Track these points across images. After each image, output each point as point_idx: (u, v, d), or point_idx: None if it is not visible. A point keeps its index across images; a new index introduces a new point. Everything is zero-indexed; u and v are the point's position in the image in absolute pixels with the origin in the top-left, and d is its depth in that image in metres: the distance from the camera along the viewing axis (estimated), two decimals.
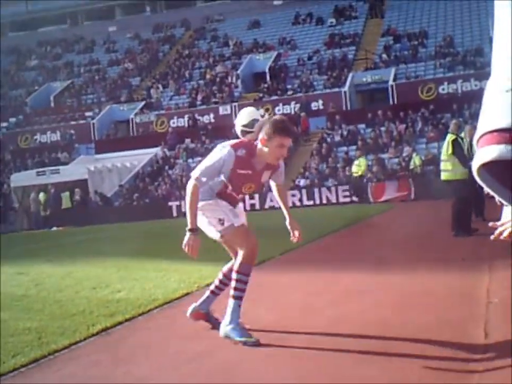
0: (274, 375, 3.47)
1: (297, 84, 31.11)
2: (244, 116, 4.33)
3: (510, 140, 0.64)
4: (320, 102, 29.37)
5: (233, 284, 4.12)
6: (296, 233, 4.41)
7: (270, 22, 38.65)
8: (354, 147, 25.29)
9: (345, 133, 26.60)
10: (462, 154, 9.11)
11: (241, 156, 4.08)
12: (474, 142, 0.68)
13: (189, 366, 3.75)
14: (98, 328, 4.76)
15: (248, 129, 4.23)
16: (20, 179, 28.46)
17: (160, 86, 35.00)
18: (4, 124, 35.83)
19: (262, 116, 4.36)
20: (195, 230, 4.06)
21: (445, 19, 33.55)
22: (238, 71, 33.46)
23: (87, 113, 34.36)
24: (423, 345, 3.77)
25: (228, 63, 35.16)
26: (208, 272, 7.21)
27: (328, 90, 29.96)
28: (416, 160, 22.25)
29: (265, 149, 4.04)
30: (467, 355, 3.51)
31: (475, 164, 0.67)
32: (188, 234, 4.06)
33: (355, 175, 21.31)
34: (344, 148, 25.71)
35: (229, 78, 33.51)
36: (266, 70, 32.82)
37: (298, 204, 22.73)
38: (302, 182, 23.91)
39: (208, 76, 34.19)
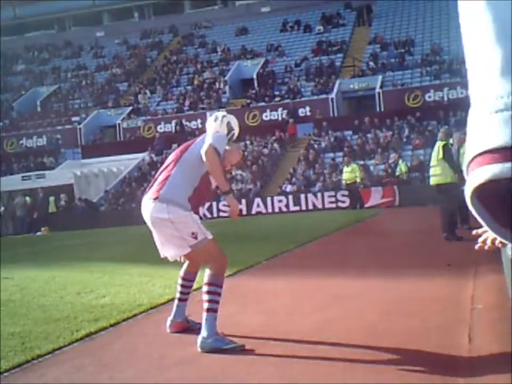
0: (258, 382, 3.46)
1: (285, 90, 31.21)
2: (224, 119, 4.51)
3: (503, 158, 0.61)
4: (308, 108, 29.46)
5: (206, 297, 4.12)
6: (235, 214, 4.36)
7: (258, 28, 38.77)
8: (341, 153, 25.40)
9: (332, 139, 26.70)
10: (452, 158, 9.27)
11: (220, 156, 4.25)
12: (464, 168, 0.66)
13: (173, 372, 3.74)
14: (83, 334, 4.73)
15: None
16: (5, 184, 28.25)
17: (147, 91, 34.96)
18: None
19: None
20: (232, 191, 4.19)
21: (432, 27, 33.80)
22: (226, 77, 33.49)
23: (74, 118, 34.23)
24: (407, 351, 3.78)
25: (215, 69, 35.19)
26: None
27: (315, 97, 30.07)
28: (402, 167, 22.35)
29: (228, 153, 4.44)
30: (451, 360, 3.52)
31: (467, 191, 0.64)
32: (229, 197, 4.18)
33: (348, 182, 21.16)
34: (331, 154, 25.79)
35: (217, 84, 33.53)
36: (254, 77, 32.88)
37: (284, 209, 22.78)
38: (289, 188, 23.94)
39: (196, 82, 34.19)
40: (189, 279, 4.55)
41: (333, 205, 22.39)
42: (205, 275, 4.21)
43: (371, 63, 31.47)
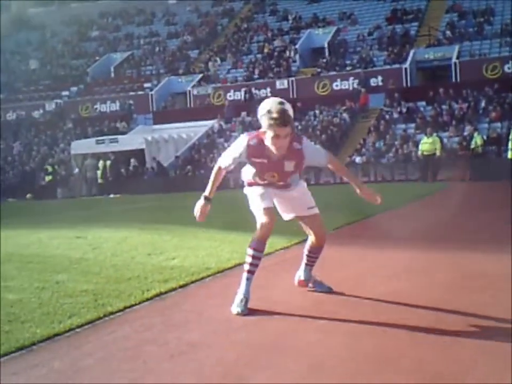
0: (321, 349, 3.46)
1: (356, 59, 30.62)
2: (261, 106, 4.29)
3: None
4: (380, 78, 28.85)
5: (246, 258, 4.38)
6: (378, 198, 4.43)
7: None
8: (413, 125, 24.82)
9: (404, 110, 26.09)
10: None
11: (253, 145, 4.24)
12: None
13: (239, 334, 3.78)
14: (153, 293, 4.84)
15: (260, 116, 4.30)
16: (79, 147, 29.12)
17: (218, 59, 35.03)
18: (65, 93, 36.63)
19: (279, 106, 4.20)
20: (209, 199, 4.44)
21: None
22: (296, 46, 33.13)
23: (146, 85, 34.77)
24: (475, 326, 3.70)
25: (286, 37, 34.83)
26: None
27: (388, 67, 29.38)
28: (477, 140, 21.63)
29: (267, 141, 4.18)
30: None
31: None
32: (202, 199, 4.45)
33: (426, 153, 20.86)
34: (403, 125, 25.24)
35: (287, 53, 33.23)
36: (325, 45, 32.39)
37: None
38: (358, 159, 23.63)
39: (266, 50, 33.98)
40: (313, 252, 4.74)
41: (403, 177, 22.02)
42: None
43: (448, 32, 30.42)
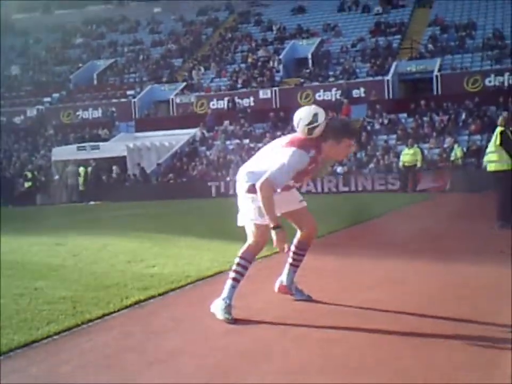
0: (301, 358, 3.46)
1: (340, 70, 30.81)
2: (305, 115, 4.36)
3: None
4: (362, 89, 29.04)
5: (234, 266, 4.43)
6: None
7: (315, 8, 38.23)
8: (394, 136, 25.02)
9: (385, 121, 26.30)
10: (510, 146, 9.06)
11: (312, 156, 4.28)
12: None
13: (219, 342, 3.77)
14: (132, 301, 4.82)
15: (313, 125, 4.31)
16: (60, 153, 28.94)
17: (201, 68, 35.06)
18: (47, 99, 36.41)
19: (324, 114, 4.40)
20: (280, 226, 4.25)
21: (495, 11, 32.74)
22: (280, 56, 33.28)
23: (129, 92, 34.68)
24: (455, 336, 3.72)
25: (270, 47, 34.99)
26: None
27: (370, 78, 29.62)
28: (457, 152, 21.87)
29: (334, 150, 4.34)
30: (500, 348, 3.44)
31: None
32: (276, 231, 4.23)
33: (407, 164, 21.07)
34: (384, 137, 25.43)
35: (271, 63, 33.35)
36: (309, 56, 32.56)
37: (334, 190, 22.77)
38: (339, 169, 23.75)
39: (250, 60, 34.08)
40: (300, 248, 4.75)
41: (383, 187, 22.20)
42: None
43: (430, 46, 30.75)
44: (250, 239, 4.47)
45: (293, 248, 4.73)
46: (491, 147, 9.39)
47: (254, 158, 4.64)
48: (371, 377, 3.06)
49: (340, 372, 3.17)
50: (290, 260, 4.80)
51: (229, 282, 4.38)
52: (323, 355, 3.45)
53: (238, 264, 4.41)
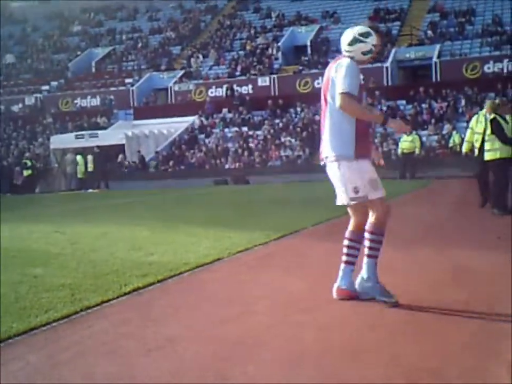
0: (300, 346, 3.47)
1: None
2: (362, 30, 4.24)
3: None
4: (361, 76, 28.88)
5: (367, 243, 4.16)
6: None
7: None
8: None
9: (384, 108, 26.25)
10: (503, 132, 9.02)
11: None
12: None
13: (217, 329, 3.78)
14: (130, 288, 4.83)
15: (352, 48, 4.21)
16: (59, 141, 28.91)
17: (200, 55, 34.94)
18: (46, 87, 36.29)
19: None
20: (388, 118, 4.15)
21: None
22: (279, 44, 33.15)
23: (127, 80, 34.60)
24: (453, 321, 3.74)
25: (269, 35, 34.84)
26: (239, 239, 7.27)
27: (369, 65, 29.46)
28: (455, 138, 21.83)
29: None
30: (498, 333, 3.46)
31: None
32: (390, 121, 4.10)
33: (406, 151, 21.06)
34: None
35: (270, 50, 33.23)
36: (308, 43, 32.45)
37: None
38: None
39: (248, 47, 33.96)
40: (355, 240, 4.29)
41: (381, 175, 22.14)
42: (367, 223, 4.21)
43: (429, 32, 30.63)
44: (372, 212, 4.16)
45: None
46: (483, 135, 9.36)
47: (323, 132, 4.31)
48: (367, 364, 3.07)
49: (337, 359, 3.18)
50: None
51: (369, 261, 4.14)
52: (320, 343, 3.46)
53: (372, 240, 4.13)
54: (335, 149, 4.14)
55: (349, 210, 4.35)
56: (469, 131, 10.09)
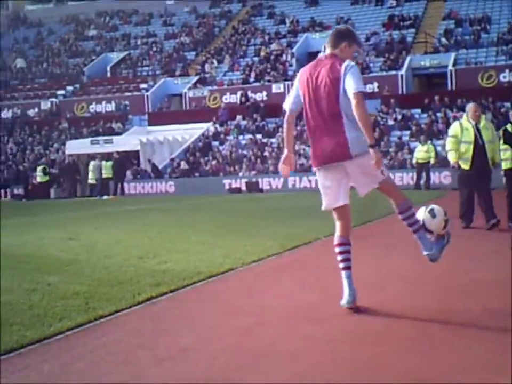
0: (312, 357, 3.46)
1: None
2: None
3: None
4: (376, 84, 28.91)
5: (406, 222, 4.44)
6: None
7: (328, 0, 38.09)
8: (407, 132, 24.90)
9: (399, 117, 26.15)
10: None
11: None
12: None
13: (229, 340, 3.78)
14: (144, 297, 4.83)
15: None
16: (74, 147, 29.05)
17: (214, 61, 35.05)
18: (61, 92, 36.55)
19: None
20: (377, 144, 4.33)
21: (510, 5, 32.40)
22: (293, 50, 33.19)
23: (142, 85, 34.76)
24: (463, 332, 3.71)
25: (283, 41, 34.90)
26: (253, 248, 7.27)
27: (384, 73, 29.46)
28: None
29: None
30: (507, 343, 3.43)
31: None
32: (375, 149, 4.14)
33: (421, 161, 20.91)
34: (398, 133, 25.29)
35: (284, 56, 33.28)
36: (322, 50, 32.43)
37: None
38: None
39: (262, 53, 34.03)
40: (346, 243, 4.39)
41: (399, 183, 22.08)
42: (395, 207, 4.46)
43: (444, 40, 30.53)
44: (395, 192, 4.47)
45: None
46: (474, 144, 8.87)
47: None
48: (377, 378, 3.06)
49: (347, 372, 3.17)
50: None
51: (419, 235, 4.48)
52: (330, 355, 3.45)
53: (408, 217, 4.42)
54: (364, 142, 4.21)
55: (335, 215, 4.45)
56: (451, 140, 9.03)
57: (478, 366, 3.19)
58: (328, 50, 4.46)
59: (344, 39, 4.42)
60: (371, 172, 4.26)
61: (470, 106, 9.10)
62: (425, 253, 4.51)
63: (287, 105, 4.52)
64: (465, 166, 8.92)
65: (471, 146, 8.79)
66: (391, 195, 4.47)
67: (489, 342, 3.57)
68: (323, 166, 4.35)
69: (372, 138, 4.16)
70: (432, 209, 4.60)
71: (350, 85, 4.18)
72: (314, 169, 4.50)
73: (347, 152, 4.23)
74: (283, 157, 4.48)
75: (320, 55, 4.60)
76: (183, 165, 26.75)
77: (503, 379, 2.94)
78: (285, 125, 4.58)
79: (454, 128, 9.08)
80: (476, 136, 8.79)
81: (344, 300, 4.26)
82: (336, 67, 4.29)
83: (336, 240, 4.42)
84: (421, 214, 4.58)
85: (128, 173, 27.28)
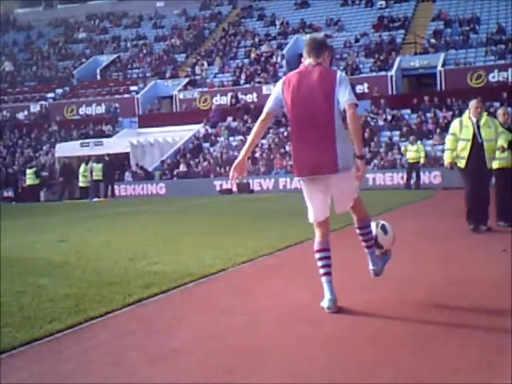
0: (306, 356, 3.46)
1: (343, 66, 30.75)
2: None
3: None
4: (365, 85, 28.99)
5: (363, 237, 4.57)
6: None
7: (318, 2, 38.17)
8: (397, 132, 24.99)
9: (389, 117, 26.24)
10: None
11: None
12: None
13: (221, 341, 3.77)
14: (134, 299, 4.82)
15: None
16: (64, 149, 28.94)
17: (205, 63, 35.04)
18: (51, 95, 36.43)
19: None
20: (364, 156, 4.44)
21: (498, 5, 32.61)
22: (284, 51, 33.23)
23: (132, 88, 34.69)
24: (456, 333, 3.72)
25: (273, 42, 34.93)
26: (244, 249, 7.27)
27: (374, 74, 29.55)
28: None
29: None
30: (499, 345, 3.44)
31: None
32: (362, 162, 4.18)
33: (411, 161, 21.05)
34: (388, 133, 25.37)
35: (274, 58, 33.31)
36: (302, 60, 32.47)
37: None
38: None
39: (253, 55, 34.05)
40: (326, 249, 4.41)
41: (389, 183, 22.20)
42: (356, 221, 4.56)
43: (433, 41, 30.67)
44: (360, 209, 4.51)
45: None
46: (472, 142, 8.79)
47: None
48: (372, 377, 3.06)
49: (341, 371, 3.17)
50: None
51: (369, 252, 4.65)
52: (325, 354, 3.46)
53: (368, 233, 4.57)
54: (349, 157, 4.30)
55: (316, 224, 4.48)
56: (449, 138, 8.71)
57: (473, 365, 3.19)
58: (311, 60, 4.48)
59: (326, 48, 4.57)
60: (348, 189, 4.32)
61: (472, 103, 8.73)
62: (372, 267, 4.66)
63: (266, 105, 4.45)
64: (461, 164, 8.65)
65: (469, 144, 8.46)
66: (355, 210, 4.51)
67: (484, 341, 3.58)
68: (307, 177, 4.32)
69: (361, 149, 4.19)
70: (383, 226, 4.72)
71: (345, 95, 4.18)
72: (296, 178, 4.44)
73: (335, 164, 4.19)
74: (236, 162, 4.37)
75: (306, 63, 4.56)
76: (182, 167, 26.71)
77: (497, 379, 2.96)
78: (257, 124, 4.41)
79: (454, 125, 8.81)
80: (474, 134, 8.45)
81: (325, 304, 4.27)
82: (327, 77, 4.32)
83: (316, 245, 4.42)
84: (373, 229, 4.66)
85: (127, 174, 27.24)
